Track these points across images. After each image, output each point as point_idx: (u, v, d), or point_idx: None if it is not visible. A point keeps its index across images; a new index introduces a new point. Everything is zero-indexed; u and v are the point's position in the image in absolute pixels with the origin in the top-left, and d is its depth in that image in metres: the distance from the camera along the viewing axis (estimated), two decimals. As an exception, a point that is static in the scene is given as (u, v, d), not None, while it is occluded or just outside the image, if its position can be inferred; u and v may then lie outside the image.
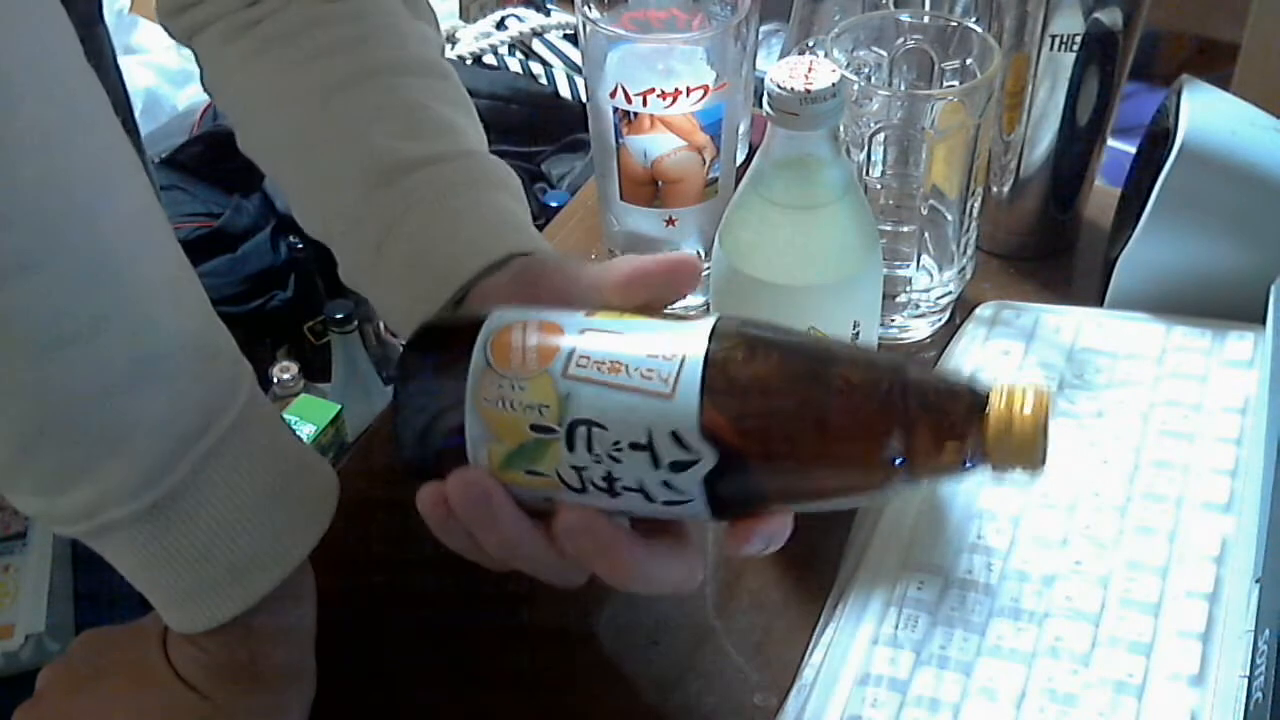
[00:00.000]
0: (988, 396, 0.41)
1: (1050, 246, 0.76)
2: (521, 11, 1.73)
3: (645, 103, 0.64)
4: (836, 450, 0.42)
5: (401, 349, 0.48)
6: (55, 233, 0.40)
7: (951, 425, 0.41)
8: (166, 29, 0.61)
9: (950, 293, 0.69)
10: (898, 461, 0.41)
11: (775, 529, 0.44)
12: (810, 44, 0.75)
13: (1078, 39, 0.66)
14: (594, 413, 0.42)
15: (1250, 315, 0.64)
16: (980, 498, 0.58)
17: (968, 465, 0.41)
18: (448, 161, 0.54)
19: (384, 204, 0.54)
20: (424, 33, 0.59)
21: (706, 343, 0.42)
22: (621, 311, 0.45)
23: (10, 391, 0.41)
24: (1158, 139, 0.68)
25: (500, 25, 1.70)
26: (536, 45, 1.69)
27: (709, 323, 0.43)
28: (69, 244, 0.41)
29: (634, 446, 0.41)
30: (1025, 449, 0.40)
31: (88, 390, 0.42)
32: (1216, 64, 1.60)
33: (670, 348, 0.42)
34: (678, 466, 0.41)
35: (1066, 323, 0.67)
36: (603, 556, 0.43)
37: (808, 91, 0.50)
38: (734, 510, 0.44)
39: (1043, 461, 0.41)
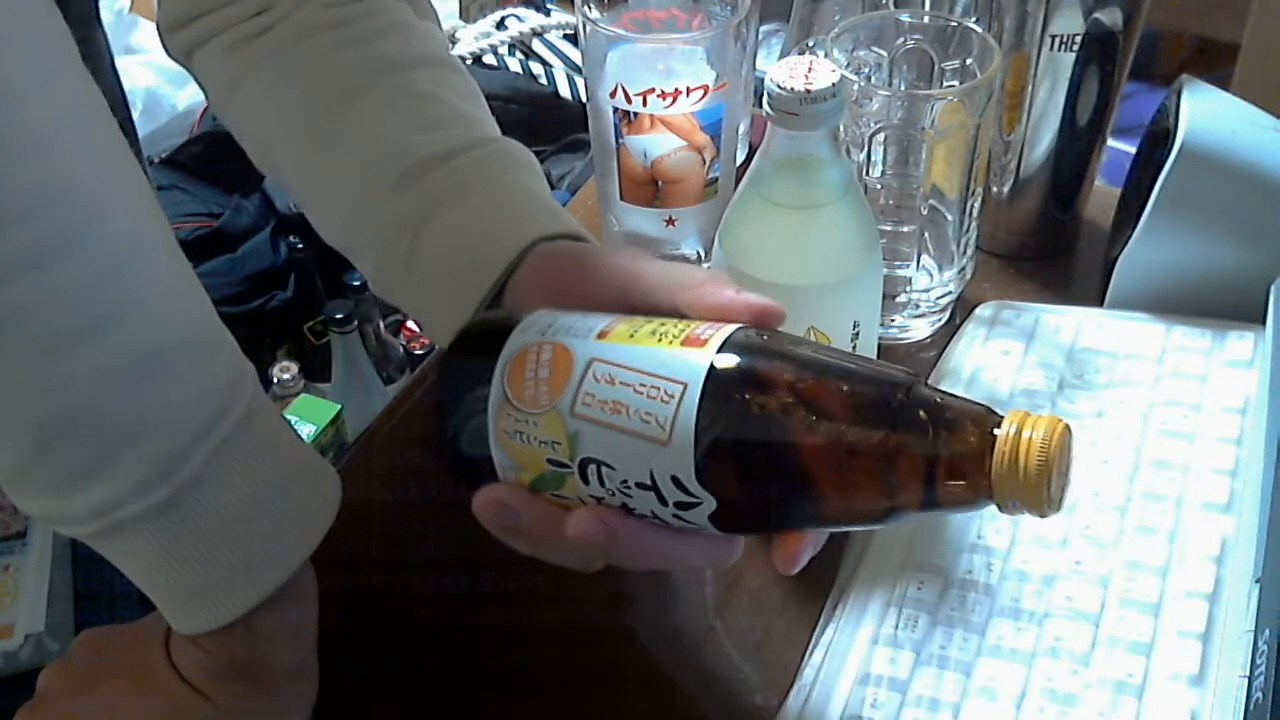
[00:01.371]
0: (994, 440, 0.39)
1: (1050, 246, 0.76)
2: (521, 11, 1.73)
3: (645, 103, 0.64)
4: (838, 500, 0.41)
5: (441, 355, 0.48)
6: (64, 230, 0.40)
7: (954, 469, 0.39)
8: (165, 44, 0.61)
9: (950, 293, 0.69)
10: (900, 504, 0.40)
11: (817, 538, 0.44)
12: (810, 44, 0.75)
13: (1078, 39, 0.66)
14: (601, 453, 0.42)
15: (1250, 315, 0.64)
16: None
17: (973, 505, 0.40)
18: (461, 153, 0.54)
19: (404, 208, 0.54)
20: (429, 29, 0.60)
21: (703, 382, 0.41)
22: (634, 326, 0.44)
23: (23, 391, 0.41)
24: (1158, 139, 0.68)
25: (500, 25, 1.70)
26: (536, 45, 1.69)
27: (712, 350, 0.41)
28: (78, 241, 0.41)
29: (640, 486, 0.42)
30: (1030, 493, 0.38)
31: (98, 387, 0.42)
32: (1216, 64, 1.60)
33: (670, 386, 0.41)
34: (683, 505, 0.42)
35: (1066, 323, 0.67)
36: (620, 554, 0.44)
37: (808, 91, 0.50)
38: (748, 534, 0.45)
39: (1052, 504, 0.39)
